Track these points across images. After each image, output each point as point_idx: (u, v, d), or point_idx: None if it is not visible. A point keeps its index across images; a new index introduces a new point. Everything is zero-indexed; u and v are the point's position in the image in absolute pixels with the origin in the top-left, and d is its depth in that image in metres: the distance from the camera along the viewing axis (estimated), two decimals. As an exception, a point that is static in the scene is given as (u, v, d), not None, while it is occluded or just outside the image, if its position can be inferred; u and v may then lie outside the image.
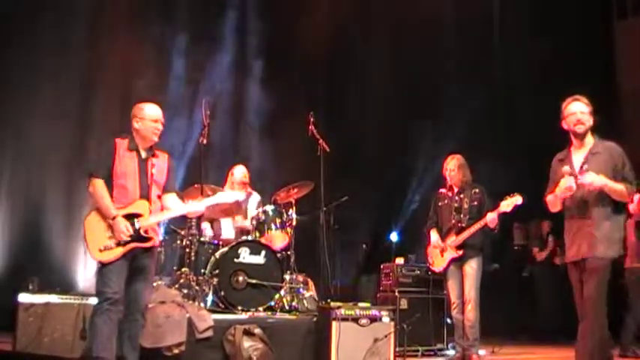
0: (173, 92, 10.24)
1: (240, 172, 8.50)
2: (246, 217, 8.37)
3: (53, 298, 6.62)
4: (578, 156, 5.39)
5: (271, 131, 10.79)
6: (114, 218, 5.14)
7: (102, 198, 5.21)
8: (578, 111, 5.32)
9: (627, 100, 10.72)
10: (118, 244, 5.14)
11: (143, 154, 5.41)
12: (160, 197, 5.48)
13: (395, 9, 11.29)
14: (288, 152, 10.78)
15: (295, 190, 8.28)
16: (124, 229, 5.12)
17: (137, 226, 5.20)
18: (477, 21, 11.15)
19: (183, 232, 7.66)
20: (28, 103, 9.33)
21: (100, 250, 5.13)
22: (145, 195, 5.32)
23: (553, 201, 5.41)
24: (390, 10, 11.32)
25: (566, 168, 5.27)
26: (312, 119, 8.50)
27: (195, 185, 7.41)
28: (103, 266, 5.17)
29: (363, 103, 11.41)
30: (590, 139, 5.38)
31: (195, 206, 5.66)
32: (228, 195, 6.01)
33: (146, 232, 5.27)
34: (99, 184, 5.23)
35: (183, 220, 7.70)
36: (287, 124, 10.61)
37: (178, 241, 7.71)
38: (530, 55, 10.74)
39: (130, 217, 5.21)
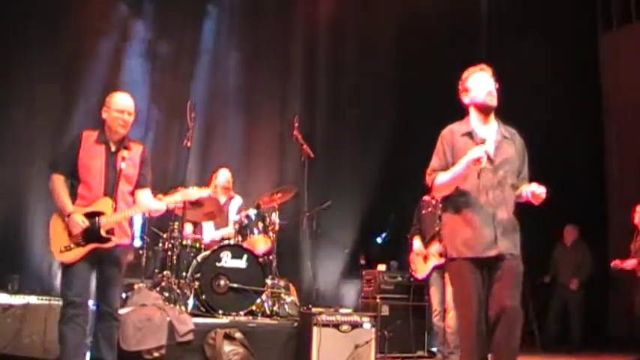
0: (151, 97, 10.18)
1: (223, 176, 8.50)
2: (227, 222, 8.35)
3: (32, 300, 6.56)
4: (486, 133, 4.70)
5: (255, 134, 10.76)
6: (69, 215, 4.95)
7: (58, 195, 5.04)
8: (488, 82, 4.74)
9: (612, 112, 10.78)
10: (78, 245, 4.95)
11: (113, 147, 5.16)
12: (131, 193, 5.23)
13: (382, 10, 11.30)
14: (271, 156, 10.77)
15: (279, 195, 8.28)
16: (80, 222, 4.91)
17: (97, 225, 4.96)
18: (463, 32, 11.18)
19: (165, 235, 7.63)
20: (8, 100, 9.22)
21: (61, 251, 4.96)
22: (111, 192, 5.05)
23: (451, 179, 4.55)
24: (377, 11, 11.32)
25: (487, 142, 4.51)
26: (296, 124, 8.51)
27: (179, 188, 7.34)
28: (65, 268, 5.00)
29: (348, 106, 11.41)
30: (492, 118, 4.79)
31: (156, 204, 5.27)
32: (192, 192, 5.51)
33: (111, 231, 5.04)
34: (57, 180, 5.08)
35: (165, 222, 7.68)
36: (271, 127, 10.61)
37: (160, 244, 7.69)
38: (516, 63, 10.78)
39: (92, 216, 4.98)
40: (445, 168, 4.64)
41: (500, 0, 11.08)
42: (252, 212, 8.02)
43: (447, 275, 7.40)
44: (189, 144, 7.44)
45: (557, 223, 10.35)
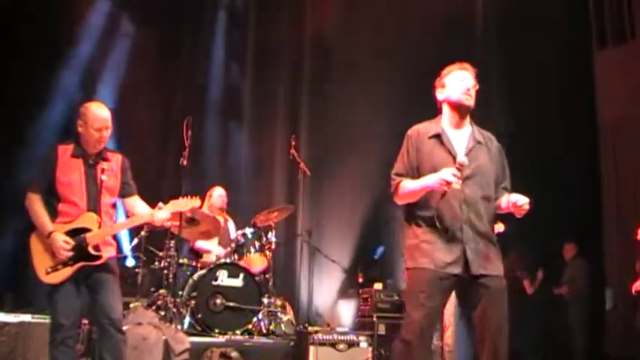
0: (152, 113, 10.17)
1: (218, 194, 8.47)
2: (229, 243, 8.26)
3: (27, 318, 6.53)
4: (457, 138, 4.34)
5: (252, 152, 10.78)
6: (49, 235, 4.66)
7: (36, 214, 4.74)
8: (467, 80, 4.36)
9: (606, 130, 10.79)
10: (65, 264, 4.66)
11: (91, 160, 4.87)
12: (112, 205, 4.97)
13: (383, 22, 11.33)
14: (268, 174, 10.77)
15: (275, 214, 8.26)
16: (62, 244, 4.63)
17: (84, 242, 4.69)
18: (461, 48, 11.21)
19: (161, 254, 7.61)
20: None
21: (47, 272, 4.66)
22: (94, 206, 4.79)
23: (415, 191, 4.22)
24: (377, 24, 11.36)
25: (463, 159, 4.12)
26: (293, 143, 8.53)
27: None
28: (52, 290, 4.68)
29: (345, 123, 11.43)
30: (467, 122, 4.41)
31: (160, 213, 4.98)
32: (183, 203, 5.18)
33: (97, 247, 4.76)
34: (33, 199, 4.76)
35: (161, 241, 7.66)
36: (270, 147, 10.62)
37: (156, 263, 7.66)
38: (511, 83, 10.83)
39: (77, 233, 4.71)
40: (410, 172, 4.31)
41: (497, 10, 11.10)
42: (248, 231, 8.01)
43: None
44: (185, 162, 7.42)
45: (555, 239, 10.29)
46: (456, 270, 4.10)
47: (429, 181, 4.12)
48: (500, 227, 6.96)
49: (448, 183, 4.01)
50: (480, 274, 4.11)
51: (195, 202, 5.24)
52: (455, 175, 4.01)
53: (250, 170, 10.76)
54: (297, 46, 11.41)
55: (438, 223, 4.16)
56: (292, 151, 8.58)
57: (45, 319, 6.45)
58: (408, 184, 4.26)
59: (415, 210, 4.28)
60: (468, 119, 4.40)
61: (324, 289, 10.41)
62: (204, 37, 10.92)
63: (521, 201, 4.17)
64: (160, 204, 5.03)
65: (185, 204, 5.18)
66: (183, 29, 10.74)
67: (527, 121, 10.33)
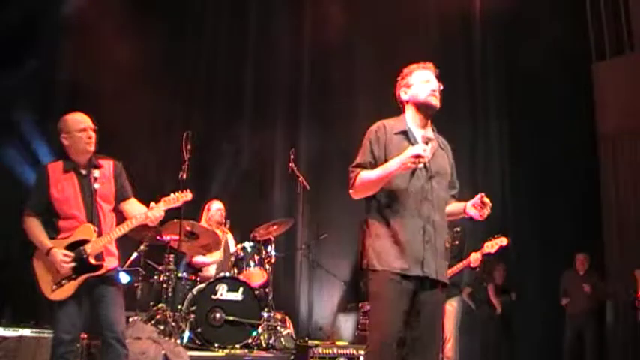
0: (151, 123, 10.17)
1: (216, 208, 8.46)
2: (229, 259, 8.27)
3: (26, 332, 6.50)
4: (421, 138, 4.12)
5: (251, 166, 10.76)
6: (48, 252, 4.69)
7: (34, 235, 4.77)
8: (432, 81, 4.24)
9: (605, 140, 10.81)
10: (70, 278, 4.69)
11: (83, 171, 4.88)
12: (112, 211, 4.96)
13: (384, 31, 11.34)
14: (267, 188, 10.75)
15: (275, 227, 8.26)
16: (62, 257, 4.66)
17: (84, 254, 4.70)
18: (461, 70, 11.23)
19: (160, 267, 7.59)
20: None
21: (53, 290, 4.69)
22: (91, 216, 4.79)
23: (379, 177, 3.98)
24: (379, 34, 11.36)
25: (428, 134, 4.11)
26: (292, 156, 8.53)
27: (175, 220, 7.28)
28: (54, 305, 4.70)
29: (345, 136, 11.41)
30: (429, 126, 4.27)
31: (153, 212, 4.88)
32: (174, 199, 5.04)
33: (100, 255, 4.78)
34: (30, 222, 4.80)
35: (160, 255, 7.63)
36: (269, 160, 10.61)
37: (155, 277, 7.64)
38: (510, 94, 10.85)
39: (77, 246, 4.72)
40: (372, 166, 4.09)
41: (496, 21, 11.12)
42: (247, 245, 8.01)
43: (445, 306, 7.34)
44: (184, 176, 7.40)
45: (559, 251, 10.20)
46: (418, 271, 3.93)
47: (393, 163, 3.92)
48: (503, 241, 6.95)
49: (418, 156, 3.82)
50: (433, 279, 3.98)
51: (187, 195, 5.15)
52: (424, 151, 3.84)
53: (249, 184, 10.73)
54: (296, 58, 11.40)
55: (401, 221, 3.99)
56: (291, 164, 8.58)
57: (44, 333, 6.43)
58: (368, 174, 4.05)
59: (380, 205, 4.09)
60: (429, 123, 4.26)
61: (324, 302, 10.38)
62: (206, 46, 10.94)
63: (477, 199, 4.05)
64: (152, 204, 4.96)
65: (176, 199, 5.10)
66: (185, 35, 10.77)
67: (527, 130, 10.34)
